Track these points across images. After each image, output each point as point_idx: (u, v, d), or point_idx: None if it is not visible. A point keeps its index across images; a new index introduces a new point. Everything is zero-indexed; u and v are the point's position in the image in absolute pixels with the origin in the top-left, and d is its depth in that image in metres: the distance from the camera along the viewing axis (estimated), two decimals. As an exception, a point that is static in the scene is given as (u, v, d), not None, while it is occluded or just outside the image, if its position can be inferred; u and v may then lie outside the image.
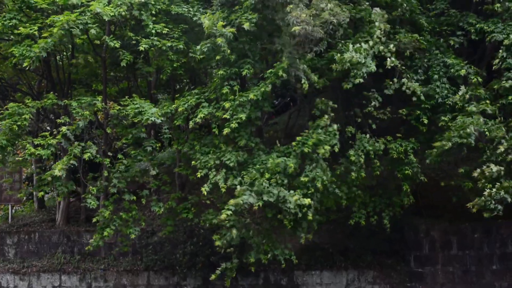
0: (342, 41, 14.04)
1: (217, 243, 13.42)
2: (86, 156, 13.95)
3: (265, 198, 12.67)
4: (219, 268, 14.00)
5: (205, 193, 13.32)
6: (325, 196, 13.82)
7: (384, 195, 15.45)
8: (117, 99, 18.82)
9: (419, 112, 14.51)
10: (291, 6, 13.22)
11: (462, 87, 14.43)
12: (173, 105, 14.15)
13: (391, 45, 14.08)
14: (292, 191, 12.86)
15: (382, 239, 16.42)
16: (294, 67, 13.42)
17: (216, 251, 14.58)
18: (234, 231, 13.15)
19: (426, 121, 14.43)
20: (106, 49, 15.40)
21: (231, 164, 13.32)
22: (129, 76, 17.76)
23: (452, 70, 14.76)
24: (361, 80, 13.56)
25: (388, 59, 13.91)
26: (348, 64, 13.42)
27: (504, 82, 14.40)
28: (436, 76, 14.73)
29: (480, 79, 14.74)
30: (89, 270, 16.85)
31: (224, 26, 13.50)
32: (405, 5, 14.89)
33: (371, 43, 13.73)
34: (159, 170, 16.68)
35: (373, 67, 13.59)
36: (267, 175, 12.90)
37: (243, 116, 13.19)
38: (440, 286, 16.80)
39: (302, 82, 13.40)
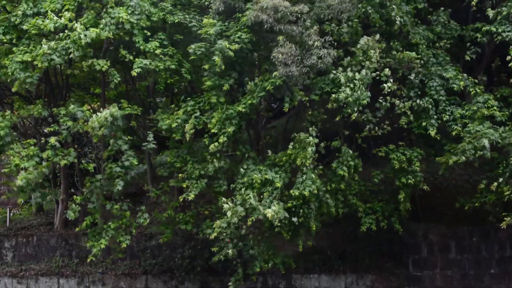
0: (334, 70, 14.20)
1: (215, 258, 14.33)
2: (62, 163, 14.18)
3: (254, 215, 13.06)
4: (230, 284, 14.71)
5: (191, 199, 13.87)
6: (322, 204, 13.95)
7: (391, 200, 15.44)
8: (116, 103, 18.76)
9: (425, 123, 14.55)
10: (281, 37, 13.69)
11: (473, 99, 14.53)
12: (167, 121, 14.32)
13: (386, 70, 14.26)
14: (273, 207, 12.99)
15: (381, 243, 16.42)
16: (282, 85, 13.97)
17: (214, 254, 14.58)
18: (230, 251, 13.73)
19: (433, 133, 14.41)
20: (105, 53, 15.43)
21: (209, 173, 13.94)
22: (127, 80, 17.77)
23: (451, 82, 14.82)
24: (355, 114, 13.87)
25: (385, 85, 14.13)
26: (343, 102, 13.71)
27: None
28: (433, 92, 14.80)
29: (479, 90, 14.75)
30: (87, 273, 16.86)
31: (219, 35, 14.06)
32: (399, 18, 14.96)
33: (364, 72, 13.88)
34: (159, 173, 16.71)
35: (366, 100, 13.80)
36: (254, 191, 13.28)
37: (230, 130, 13.65)
38: (438, 290, 16.82)
39: (285, 101, 14.01)
